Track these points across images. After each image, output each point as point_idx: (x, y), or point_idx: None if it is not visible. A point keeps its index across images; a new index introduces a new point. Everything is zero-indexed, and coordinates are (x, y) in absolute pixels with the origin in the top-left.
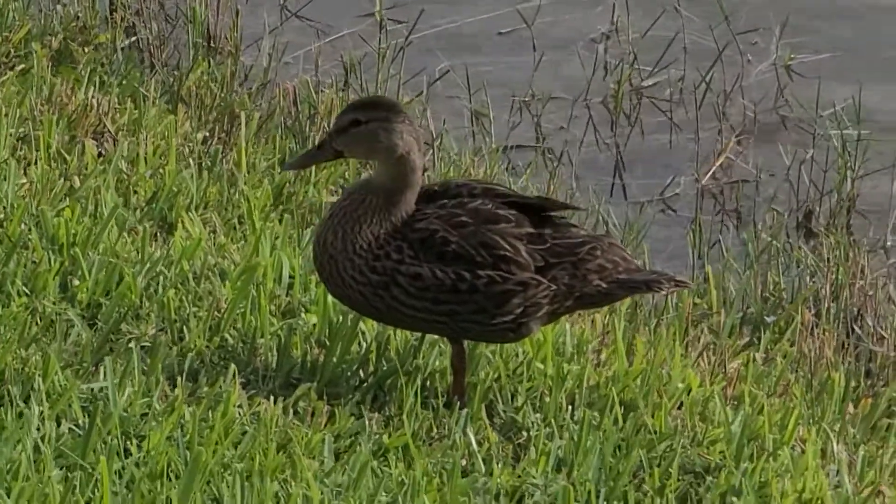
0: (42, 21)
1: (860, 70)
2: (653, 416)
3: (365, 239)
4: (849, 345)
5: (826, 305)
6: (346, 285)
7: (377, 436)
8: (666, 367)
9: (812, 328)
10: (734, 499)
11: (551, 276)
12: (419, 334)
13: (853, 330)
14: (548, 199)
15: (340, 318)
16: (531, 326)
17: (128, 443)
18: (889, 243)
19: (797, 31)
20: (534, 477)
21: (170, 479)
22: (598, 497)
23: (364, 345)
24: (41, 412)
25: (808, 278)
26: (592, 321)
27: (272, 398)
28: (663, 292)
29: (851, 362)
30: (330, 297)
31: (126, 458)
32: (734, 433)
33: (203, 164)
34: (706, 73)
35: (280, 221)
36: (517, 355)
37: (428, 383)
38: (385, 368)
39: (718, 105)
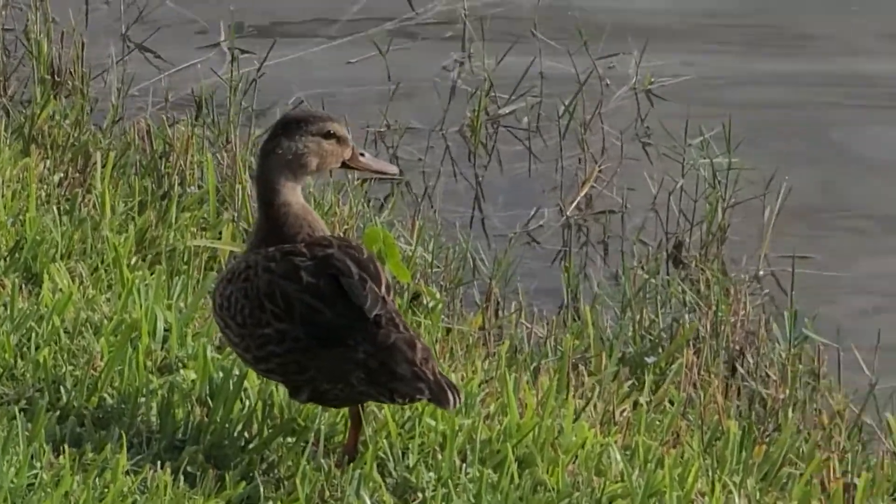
0: None
1: (725, 95)
2: (549, 473)
3: None
4: (733, 385)
5: (707, 344)
6: None
7: (269, 501)
8: (557, 419)
9: (695, 369)
10: None
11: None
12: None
13: (735, 369)
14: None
15: (221, 374)
16: (301, 391)
17: None
18: (762, 272)
19: (656, 54)
20: None
21: None
22: None
23: (248, 402)
24: None
25: (685, 315)
26: (474, 368)
27: (159, 463)
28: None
29: (740, 405)
30: (210, 352)
31: None
32: (636, 491)
33: (62, 208)
34: (570, 101)
35: (150, 270)
36: (405, 409)
37: (314, 440)
38: (271, 428)
39: (580, 133)
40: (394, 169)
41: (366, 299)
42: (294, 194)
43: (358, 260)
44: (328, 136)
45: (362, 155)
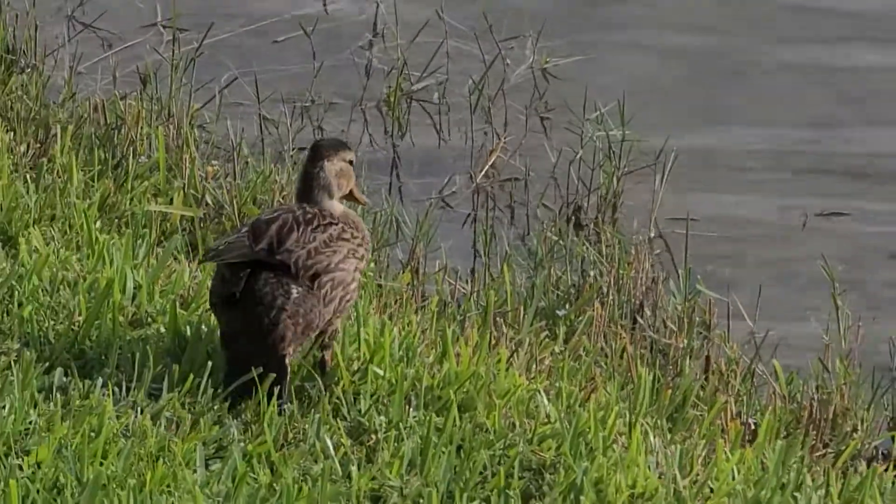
0: None
1: (615, 76)
2: (487, 416)
3: None
4: (637, 335)
5: (610, 298)
6: None
7: (240, 443)
8: (490, 367)
9: (602, 320)
10: (581, 497)
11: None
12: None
13: (636, 321)
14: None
15: (188, 328)
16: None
17: (12, 459)
18: (652, 234)
19: (552, 36)
20: (390, 479)
21: (61, 493)
22: (450, 497)
23: (211, 353)
24: None
25: (590, 272)
26: (409, 321)
27: (139, 409)
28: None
29: (644, 353)
30: (178, 308)
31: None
32: (567, 432)
33: (29, 176)
34: (480, 79)
35: (116, 233)
36: (354, 358)
37: (275, 388)
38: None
39: (488, 108)
40: (367, 201)
41: (237, 283)
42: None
43: (279, 229)
44: (351, 163)
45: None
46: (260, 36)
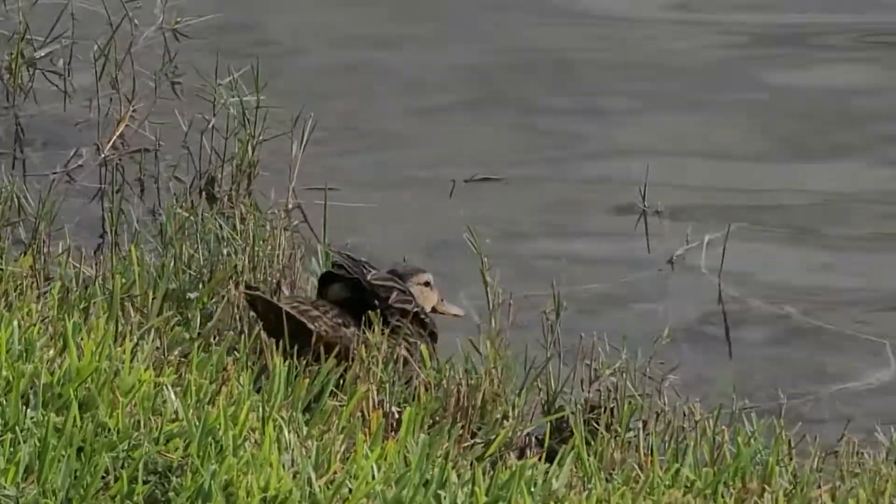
0: None
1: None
2: (109, 415)
3: None
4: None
5: (245, 278)
6: None
7: None
8: (114, 360)
9: (238, 304)
10: (209, 502)
11: None
12: None
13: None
14: None
15: None
16: None
17: None
18: (290, 206)
19: None
20: (5, 488)
21: None
22: None
23: None
24: None
25: (223, 250)
26: (29, 311)
27: None
28: None
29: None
30: None
31: None
32: (194, 431)
33: None
34: (106, 43)
35: None
36: None
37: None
38: None
39: (115, 74)
40: (460, 311)
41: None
42: None
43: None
44: (426, 284)
45: (442, 301)
46: None
